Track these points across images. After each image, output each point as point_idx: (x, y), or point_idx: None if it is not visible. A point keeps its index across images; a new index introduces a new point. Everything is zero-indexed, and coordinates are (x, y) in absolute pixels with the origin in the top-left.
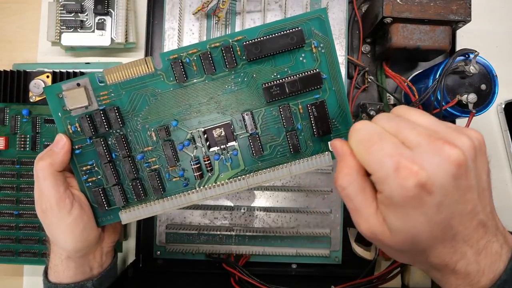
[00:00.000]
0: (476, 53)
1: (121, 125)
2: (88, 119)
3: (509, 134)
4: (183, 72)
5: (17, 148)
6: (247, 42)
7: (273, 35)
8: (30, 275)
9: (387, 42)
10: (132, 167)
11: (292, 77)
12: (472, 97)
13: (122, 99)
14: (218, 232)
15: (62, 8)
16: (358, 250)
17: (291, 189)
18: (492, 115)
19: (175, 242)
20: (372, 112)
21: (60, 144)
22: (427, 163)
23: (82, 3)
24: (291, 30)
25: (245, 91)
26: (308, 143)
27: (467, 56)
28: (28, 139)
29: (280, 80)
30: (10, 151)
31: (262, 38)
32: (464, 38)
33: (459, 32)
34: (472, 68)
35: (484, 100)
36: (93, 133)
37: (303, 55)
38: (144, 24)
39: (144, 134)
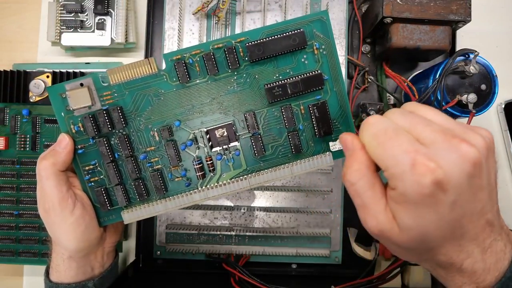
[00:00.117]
0: (476, 53)
1: (124, 125)
2: (91, 119)
3: (509, 134)
4: (186, 73)
5: (17, 148)
6: (250, 43)
7: (276, 36)
8: (30, 275)
9: (387, 42)
10: (135, 167)
11: (294, 78)
12: (472, 97)
13: (125, 99)
14: (218, 232)
15: (62, 8)
16: (358, 250)
17: (291, 189)
18: (492, 115)
19: (175, 242)
20: (372, 112)
21: (63, 144)
22: (443, 160)
23: (82, 3)
24: (293, 32)
25: (248, 92)
26: (309, 144)
27: (467, 56)
28: (28, 139)
29: (282, 81)
30: (10, 151)
31: (264, 40)
32: (464, 38)
33: (459, 32)
34: (472, 68)
35: (484, 100)
36: (96, 133)
37: (305, 56)
38: (144, 24)
39: (147, 134)
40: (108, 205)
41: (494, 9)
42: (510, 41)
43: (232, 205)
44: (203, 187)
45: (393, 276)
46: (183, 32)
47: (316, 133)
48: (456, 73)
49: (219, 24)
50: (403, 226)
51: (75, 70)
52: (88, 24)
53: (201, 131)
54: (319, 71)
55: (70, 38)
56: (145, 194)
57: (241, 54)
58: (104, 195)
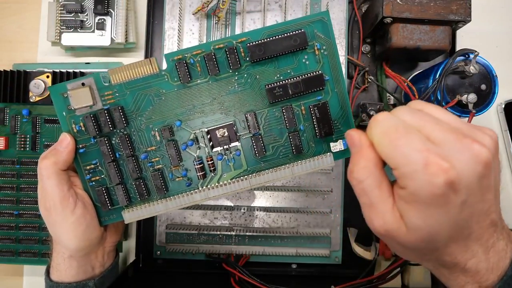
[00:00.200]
0: (476, 53)
1: (125, 124)
2: (92, 118)
3: (509, 134)
4: (187, 73)
5: (17, 148)
6: (251, 44)
7: (277, 37)
8: (30, 275)
9: (387, 42)
10: (136, 166)
11: (295, 78)
12: (472, 97)
13: (127, 99)
14: (218, 232)
15: (62, 8)
16: (358, 250)
17: (291, 189)
18: (492, 115)
19: (175, 242)
20: (372, 112)
21: (64, 143)
22: (456, 160)
23: (82, 3)
24: (294, 32)
25: (249, 92)
26: (310, 144)
27: (467, 56)
28: (28, 139)
29: (283, 82)
30: (10, 151)
31: (265, 40)
32: (464, 38)
33: (459, 32)
34: (472, 68)
35: (484, 100)
36: (97, 132)
37: (306, 57)
38: (144, 24)
39: (148, 134)
40: (109, 204)
41: (494, 9)
42: (510, 41)
43: (232, 205)
44: (204, 187)
45: (393, 276)
46: (183, 32)
47: (317, 134)
48: (456, 73)
49: (219, 24)
50: (411, 226)
51: (75, 70)
52: (88, 24)
53: (202, 131)
54: (320, 71)
55: (70, 38)
56: (145, 194)
57: (242, 54)
58: (105, 194)
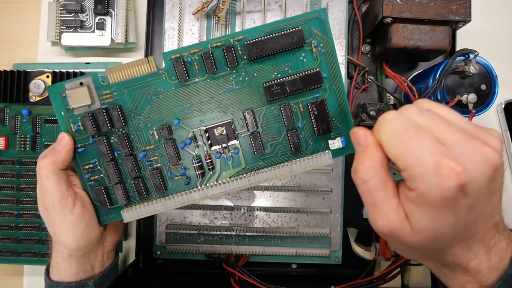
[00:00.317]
0: (476, 53)
1: (123, 123)
2: (90, 117)
3: (509, 134)
4: (185, 71)
5: (17, 148)
6: (248, 42)
7: (274, 34)
8: (30, 275)
9: (387, 42)
10: (134, 165)
11: (292, 76)
12: (472, 97)
13: (125, 98)
14: (218, 232)
15: (62, 8)
16: (358, 250)
17: (291, 189)
18: (492, 115)
19: (175, 242)
20: (372, 112)
21: (63, 143)
22: (468, 163)
23: (82, 3)
24: (291, 30)
25: (246, 90)
26: (308, 142)
27: (467, 56)
28: (28, 139)
29: (281, 79)
30: (10, 151)
31: (263, 38)
32: (464, 38)
33: (459, 32)
34: (472, 68)
35: (484, 100)
36: (95, 131)
37: (303, 54)
38: (144, 24)
39: (146, 133)
40: (108, 203)
41: (494, 9)
42: (510, 41)
43: (232, 205)
44: (203, 186)
45: (393, 276)
46: (183, 32)
47: (315, 131)
48: (456, 73)
49: (219, 24)
50: (417, 226)
51: (75, 70)
52: (88, 24)
53: (200, 129)
54: (317, 69)
55: (70, 38)
56: (144, 193)
57: (240, 52)
58: (104, 193)
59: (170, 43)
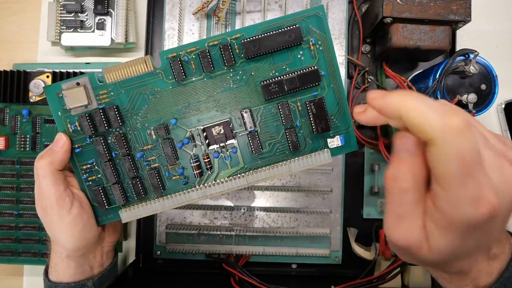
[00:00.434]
0: (476, 53)
1: (120, 123)
2: (87, 118)
3: (509, 134)
4: (182, 71)
5: (17, 148)
6: (245, 40)
7: (271, 32)
8: (30, 275)
9: (387, 42)
10: (132, 165)
11: (290, 74)
12: (472, 97)
13: (122, 98)
14: (218, 232)
15: (62, 8)
16: (358, 250)
17: (291, 189)
18: (492, 115)
19: (175, 242)
20: None
21: (60, 143)
22: (499, 189)
23: (82, 3)
24: (289, 28)
25: (244, 89)
26: (307, 140)
27: (467, 56)
28: (28, 139)
29: (279, 78)
30: (10, 151)
31: (260, 36)
32: (464, 38)
33: (459, 32)
34: (472, 68)
35: (484, 100)
36: (92, 132)
37: (301, 52)
38: (144, 24)
39: (143, 133)
40: (105, 204)
41: (494, 9)
42: (510, 41)
43: (232, 205)
44: (201, 185)
45: (393, 276)
46: (183, 32)
47: (314, 130)
48: (456, 73)
49: (219, 24)
50: (435, 247)
51: (75, 70)
52: (88, 24)
53: (197, 129)
54: (315, 67)
55: (70, 38)
56: (142, 193)
57: (237, 51)
58: (102, 194)
59: (170, 43)
